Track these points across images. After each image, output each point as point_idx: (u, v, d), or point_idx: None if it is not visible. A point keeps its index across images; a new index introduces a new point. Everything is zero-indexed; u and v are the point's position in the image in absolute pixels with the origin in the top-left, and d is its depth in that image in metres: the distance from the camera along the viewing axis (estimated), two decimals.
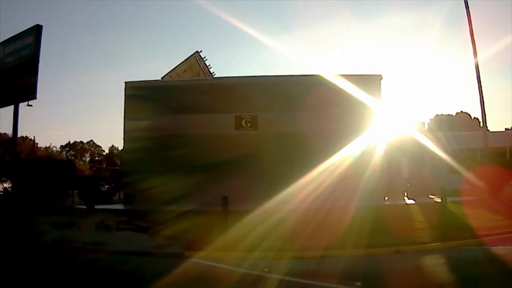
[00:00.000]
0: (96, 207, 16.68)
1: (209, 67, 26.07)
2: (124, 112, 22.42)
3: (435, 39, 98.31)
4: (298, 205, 18.68)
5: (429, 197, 23.32)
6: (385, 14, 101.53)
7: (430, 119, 50.90)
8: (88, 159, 66.72)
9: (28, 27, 18.42)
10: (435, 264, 8.93)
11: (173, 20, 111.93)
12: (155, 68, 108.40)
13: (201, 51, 25.84)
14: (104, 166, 54.04)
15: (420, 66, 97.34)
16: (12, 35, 20.85)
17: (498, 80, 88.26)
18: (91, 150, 71.37)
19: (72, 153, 66.19)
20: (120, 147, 73.50)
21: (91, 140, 73.00)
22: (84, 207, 16.53)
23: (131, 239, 11.43)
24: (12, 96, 18.18)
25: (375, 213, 17.66)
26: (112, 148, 61.60)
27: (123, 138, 22.44)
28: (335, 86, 21.92)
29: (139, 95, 22.45)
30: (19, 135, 49.09)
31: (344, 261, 9.20)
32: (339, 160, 21.24)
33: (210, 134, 21.76)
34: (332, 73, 22.77)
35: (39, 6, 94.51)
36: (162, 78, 24.28)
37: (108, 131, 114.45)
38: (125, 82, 22.52)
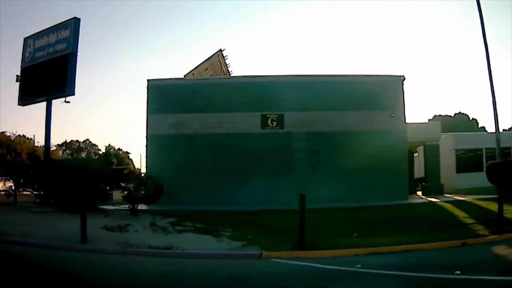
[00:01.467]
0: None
1: (228, 65, 25.98)
2: (147, 110, 22.19)
3: (435, 40, 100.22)
4: (333, 203, 18.83)
5: (445, 195, 23.71)
6: (386, 12, 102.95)
7: (429, 120, 51.64)
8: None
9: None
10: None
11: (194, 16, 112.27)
12: (156, 66, 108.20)
13: (224, 49, 25.85)
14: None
15: (420, 68, 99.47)
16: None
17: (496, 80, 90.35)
18: (87, 149, 70.60)
19: (68, 152, 65.29)
20: (117, 146, 73.33)
21: (87, 139, 72.68)
22: (126, 207, 16.21)
23: (198, 241, 11.05)
24: (44, 91, 17.62)
25: (415, 209, 17.96)
26: (109, 147, 60.90)
27: (146, 137, 22.15)
28: (360, 86, 22.21)
29: (162, 93, 22.29)
30: (20, 134, 48.38)
31: (424, 254, 9.51)
32: (366, 159, 21.49)
33: (236, 133, 21.73)
34: (356, 73, 23.04)
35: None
36: (184, 76, 24.10)
37: (104, 130, 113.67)
38: (148, 80, 22.31)
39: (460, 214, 15.57)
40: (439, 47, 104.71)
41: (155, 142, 22.03)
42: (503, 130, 58.41)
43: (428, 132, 25.76)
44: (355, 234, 12.09)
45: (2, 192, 19.55)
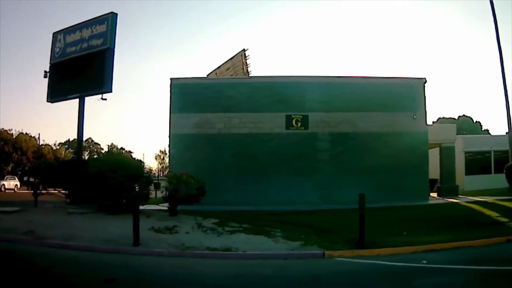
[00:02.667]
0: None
1: (248, 65, 26.02)
2: (170, 109, 22.12)
3: (440, 42, 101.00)
4: (356, 204, 18.87)
5: (460, 197, 23.97)
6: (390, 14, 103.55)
7: (433, 122, 51.99)
8: (87, 157, 65.36)
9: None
10: None
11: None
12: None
13: (247, 49, 25.86)
14: None
15: (425, 70, 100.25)
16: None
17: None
18: (89, 148, 70.20)
19: (71, 150, 64.83)
20: (120, 146, 73.00)
21: (90, 138, 72.25)
22: (162, 208, 16.13)
23: (254, 242, 10.94)
24: (77, 88, 17.20)
25: (442, 209, 18.17)
26: (111, 146, 60.59)
27: (169, 136, 22.11)
28: (382, 87, 22.40)
29: (185, 92, 22.23)
30: (23, 132, 48.14)
31: (476, 250, 10.05)
32: (388, 160, 21.70)
33: (260, 133, 21.79)
34: (378, 75, 23.21)
35: None
36: (207, 75, 24.09)
37: (105, 128, 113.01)
38: (171, 79, 22.20)
39: (491, 213, 15.85)
40: (443, 49, 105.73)
41: (178, 141, 21.99)
42: (506, 133, 59.01)
43: (444, 133, 25.95)
44: (405, 233, 12.29)
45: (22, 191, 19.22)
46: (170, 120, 22.12)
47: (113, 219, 13.51)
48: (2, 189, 39.43)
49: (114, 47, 16.82)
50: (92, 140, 71.27)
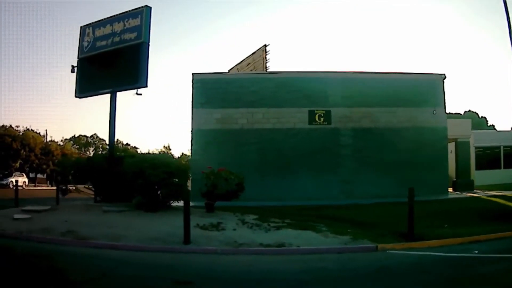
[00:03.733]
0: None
1: (267, 61, 26.09)
2: (192, 104, 22.17)
3: (447, 38, 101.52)
4: (378, 199, 19.18)
5: (476, 191, 24.31)
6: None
7: None
8: (92, 153, 65.41)
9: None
10: None
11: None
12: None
13: (268, 44, 25.89)
14: None
15: (433, 65, 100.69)
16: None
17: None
18: (94, 144, 70.06)
19: (76, 146, 64.77)
20: (125, 141, 72.72)
21: (95, 134, 72.15)
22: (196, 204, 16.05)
23: (304, 237, 10.99)
24: (109, 83, 16.93)
25: (469, 203, 18.43)
26: (117, 142, 60.11)
27: (191, 132, 22.13)
28: (403, 83, 22.60)
29: (208, 87, 22.28)
30: (31, 128, 47.90)
31: None
32: (409, 155, 21.92)
33: (283, 128, 21.91)
34: (399, 71, 23.42)
35: None
36: (229, 71, 24.14)
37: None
38: (193, 74, 22.21)
39: None
40: (449, 45, 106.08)
41: (200, 136, 22.00)
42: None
43: (459, 129, 26.20)
44: (446, 226, 12.51)
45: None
46: (192, 115, 22.14)
47: (152, 217, 13.42)
48: (11, 185, 39.20)
49: (149, 42, 16.57)
50: (97, 136, 71.34)
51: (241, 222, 12.94)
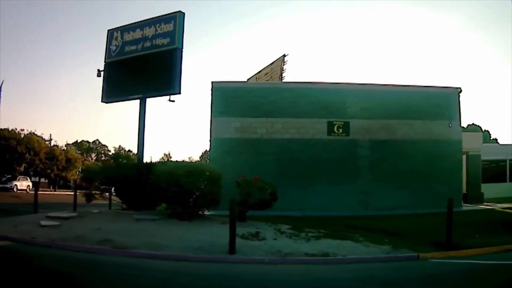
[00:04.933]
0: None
1: (283, 71, 26.33)
2: (211, 112, 22.27)
3: (449, 51, 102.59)
4: (395, 210, 19.39)
5: (487, 204, 24.62)
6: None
7: None
8: (94, 158, 65.27)
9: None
10: None
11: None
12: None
13: (287, 54, 26.08)
14: None
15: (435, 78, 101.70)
16: None
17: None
18: (97, 149, 69.81)
19: (78, 151, 64.45)
20: (128, 148, 72.46)
21: (97, 139, 71.92)
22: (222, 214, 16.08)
23: (345, 247, 11.09)
24: (140, 88, 16.86)
25: (487, 214, 18.76)
26: (119, 148, 60.12)
27: (210, 140, 22.21)
28: (419, 96, 22.92)
29: (227, 96, 22.37)
30: (35, 132, 47.61)
31: None
32: (424, 167, 22.19)
33: (302, 138, 22.08)
34: (415, 84, 23.75)
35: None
36: (247, 80, 24.28)
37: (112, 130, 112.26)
38: (212, 82, 22.29)
39: None
40: (453, 58, 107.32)
41: (219, 145, 22.04)
42: None
43: (470, 142, 26.44)
44: (477, 235, 12.89)
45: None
46: (210, 124, 22.18)
47: (188, 226, 13.42)
48: (15, 189, 38.97)
49: (182, 47, 16.53)
50: (100, 142, 71.14)
51: (278, 232, 13.03)
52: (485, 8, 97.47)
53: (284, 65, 26.09)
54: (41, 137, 48.02)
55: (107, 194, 18.23)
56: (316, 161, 21.82)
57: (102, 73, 18.49)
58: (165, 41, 16.72)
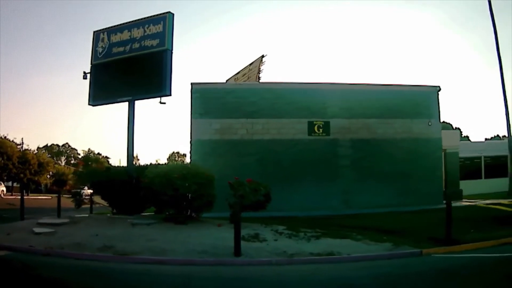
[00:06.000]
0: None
1: (260, 71, 26.02)
2: (191, 114, 21.81)
3: (420, 48, 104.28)
4: (378, 209, 19.42)
5: (467, 200, 24.91)
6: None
7: None
8: (64, 162, 63.63)
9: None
10: None
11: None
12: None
13: (266, 55, 25.71)
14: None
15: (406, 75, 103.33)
16: None
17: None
18: (66, 153, 68.13)
19: (48, 155, 62.70)
20: (97, 151, 71.25)
21: (67, 143, 70.29)
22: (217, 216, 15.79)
23: (347, 246, 11.05)
24: (129, 91, 16.41)
25: (471, 211, 18.95)
26: (89, 151, 58.84)
27: (190, 142, 21.77)
28: (399, 95, 23.02)
29: (207, 97, 21.99)
30: (6, 137, 46.06)
31: None
32: (405, 165, 22.31)
33: (283, 139, 21.87)
34: (394, 83, 23.87)
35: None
36: (226, 81, 23.88)
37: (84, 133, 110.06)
38: (192, 83, 21.85)
39: None
40: (424, 56, 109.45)
41: (199, 147, 21.65)
42: (485, 139, 61.46)
43: (448, 140, 26.70)
44: (472, 230, 13.02)
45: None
46: (191, 125, 21.78)
47: (186, 229, 13.16)
48: None
49: (172, 49, 16.14)
50: (69, 145, 69.43)
51: (276, 233, 12.94)
52: (464, 6, 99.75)
53: (262, 65, 25.86)
54: (13, 142, 46.75)
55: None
56: (298, 162, 21.66)
57: (88, 75, 17.92)
58: (155, 42, 16.37)
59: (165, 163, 19.55)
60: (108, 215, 16.21)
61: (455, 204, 22.24)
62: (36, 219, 15.03)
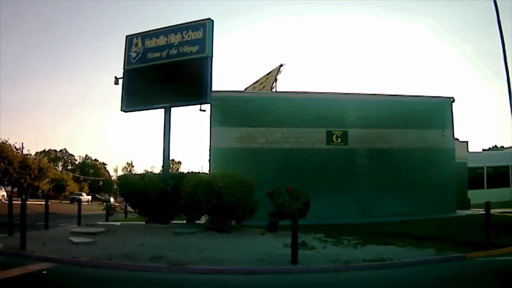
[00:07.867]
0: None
1: (276, 80, 26.23)
2: (210, 122, 21.98)
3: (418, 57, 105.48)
4: (393, 217, 19.73)
5: (475, 209, 25.35)
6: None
7: None
8: (61, 167, 63.03)
9: None
10: None
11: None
12: None
13: (284, 64, 25.95)
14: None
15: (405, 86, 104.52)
16: None
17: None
18: (63, 158, 67.52)
19: (47, 161, 62.11)
20: (94, 157, 70.79)
21: (64, 148, 69.67)
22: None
23: (394, 252, 11.25)
24: (166, 97, 16.25)
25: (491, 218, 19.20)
26: (86, 158, 58.43)
27: (209, 150, 21.95)
28: (414, 105, 23.46)
29: (226, 106, 22.16)
30: (6, 140, 45.55)
31: None
32: (419, 174, 22.70)
33: (302, 148, 22.13)
34: (410, 94, 24.29)
35: None
36: (245, 89, 24.06)
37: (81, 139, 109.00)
38: (212, 91, 22.13)
39: None
40: (429, 67, 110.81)
41: (219, 155, 21.81)
42: (483, 149, 62.31)
43: (457, 150, 27.27)
44: (503, 236, 13.29)
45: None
46: (210, 133, 21.98)
47: (231, 238, 13.12)
48: None
49: (212, 56, 15.94)
50: (67, 151, 68.87)
51: (320, 240, 13.04)
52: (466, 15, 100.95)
53: (278, 74, 26.09)
54: (14, 147, 46.29)
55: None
56: (316, 170, 21.93)
57: (120, 80, 17.70)
58: (194, 49, 16.19)
59: (205, 172, 19.43)
60: (147, 224, 15.94)
61: (469, 213, 22.85)
62: (61, 227, 14.78)
